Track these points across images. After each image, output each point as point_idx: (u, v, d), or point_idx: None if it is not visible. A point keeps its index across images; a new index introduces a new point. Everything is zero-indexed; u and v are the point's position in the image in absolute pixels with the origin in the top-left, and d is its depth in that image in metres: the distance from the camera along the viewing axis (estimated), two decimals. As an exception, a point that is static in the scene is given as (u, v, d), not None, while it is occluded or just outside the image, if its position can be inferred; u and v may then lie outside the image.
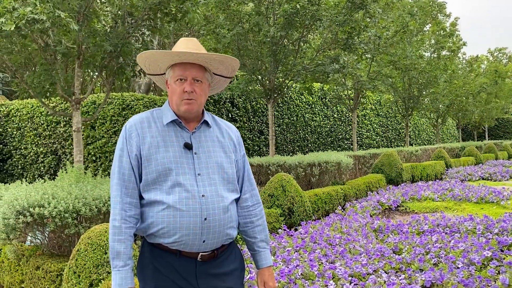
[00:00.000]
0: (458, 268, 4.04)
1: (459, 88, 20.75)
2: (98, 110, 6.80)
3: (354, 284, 3.76)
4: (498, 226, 5.37)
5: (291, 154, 14.15)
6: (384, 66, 14.31)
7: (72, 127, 7.49)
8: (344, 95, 14.72)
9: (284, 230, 5.76)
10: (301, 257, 4.41)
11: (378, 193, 9.05)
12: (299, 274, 3.86)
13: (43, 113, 10.69)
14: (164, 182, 1.71)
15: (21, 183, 5.11)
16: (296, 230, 6.14)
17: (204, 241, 1.71)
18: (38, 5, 4.77)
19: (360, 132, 18.28)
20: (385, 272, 4.07)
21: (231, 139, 1.91)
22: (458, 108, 23.01)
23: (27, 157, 11.02)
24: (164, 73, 1.88)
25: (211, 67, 1.83)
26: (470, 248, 4.50)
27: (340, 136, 17.11)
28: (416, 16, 13.14)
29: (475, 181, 12.28)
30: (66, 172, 4.71)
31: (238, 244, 1.92)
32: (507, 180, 12.48)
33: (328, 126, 16.39)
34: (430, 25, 18.30)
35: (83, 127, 9.52)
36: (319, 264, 4.18)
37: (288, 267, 3.99)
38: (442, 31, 17.96)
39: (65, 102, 10.33)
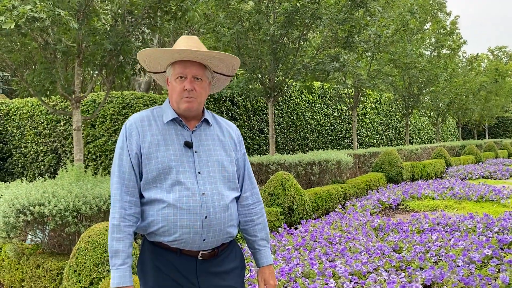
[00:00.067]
0: (458, 266, 4.04)
1: (459, 86, 20.73)
2: (98, 108, 6.79)
3: (355, 283, 3.76)
4: (498, 225, 5.37)
5: (291, 152, 14.16)
6: (384, 65, 14.32)
7: (72, 125, 7.49)
8: (344, 94, 14.71)
9: (284, 228, 5.76)
10: (301, 255, 4.41)
11: (378, 192, 9.04)
12: (300, 272, 3.86)
13: (43, 112, 10.69)
14: (165, 181, 1.71)
15: (21, 181, 5.11)
16: (296, 228, 6.15)
17: (204, 240, 1.71)
18: (38, 3, 4.76)
19: (360, 131, 18.28)
20: (385, 270, 4.07)
21: (231, 137, 1.91)
22: (458, 106, 22.99)
23: (27, 156, 11.02)
24: (165, 71, 1.87)
25: (211, 65, 1.83)
26: (470, 247, 4.50)
27: (340, 135, 17.11)
28: (416, 15, 13.12)
29: (475, 179, 12.28)
30: (66, 171, 4.72)
31: (238, 243, 1.92)
32: (507, 178, 12.47)
33: (328, 125, 16.38)
34: (430, 23, 18.27)
35: (83, 125, 9.52)
36: (319, 263, 4.18)
37: (288, 266, 4.00)
38: (442, 30, 17.94)
39: (65, 100, 10.32)
